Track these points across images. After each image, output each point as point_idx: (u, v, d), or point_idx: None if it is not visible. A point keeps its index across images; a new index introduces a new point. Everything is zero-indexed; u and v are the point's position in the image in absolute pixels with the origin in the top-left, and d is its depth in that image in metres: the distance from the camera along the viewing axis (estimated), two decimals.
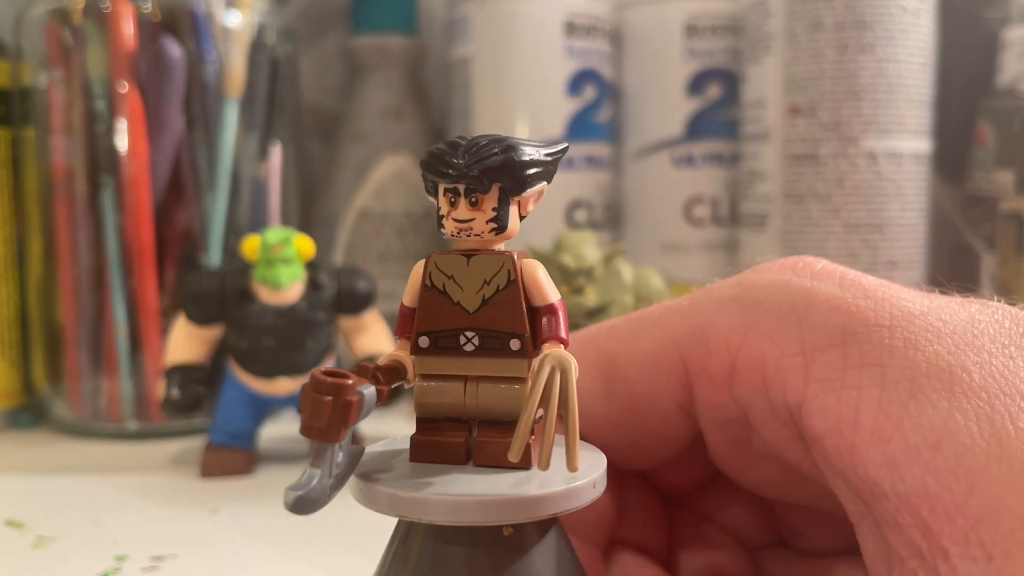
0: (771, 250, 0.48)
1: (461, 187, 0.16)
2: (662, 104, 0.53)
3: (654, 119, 0.53)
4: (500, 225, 0.16)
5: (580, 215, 0.51)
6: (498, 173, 0.16)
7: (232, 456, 0.37)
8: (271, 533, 0.30)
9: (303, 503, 0.14)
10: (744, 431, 0.19)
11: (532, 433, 0.15)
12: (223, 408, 0.37)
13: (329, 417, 0.14)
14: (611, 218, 0.54)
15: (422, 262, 0.17)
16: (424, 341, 0.16)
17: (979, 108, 0.49)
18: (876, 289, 0.17)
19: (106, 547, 0.29)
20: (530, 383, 0.15)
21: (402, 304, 0.17)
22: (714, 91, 0.52)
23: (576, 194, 0.51)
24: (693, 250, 0.53)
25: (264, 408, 0.38)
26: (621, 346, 0.20)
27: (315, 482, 0.14)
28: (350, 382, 0.14)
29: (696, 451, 0.21)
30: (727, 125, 0.52)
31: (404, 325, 0.17)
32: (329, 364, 0.38)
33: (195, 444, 0.41)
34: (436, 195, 0.16)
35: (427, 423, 0.17)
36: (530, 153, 0.16)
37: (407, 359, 0.16)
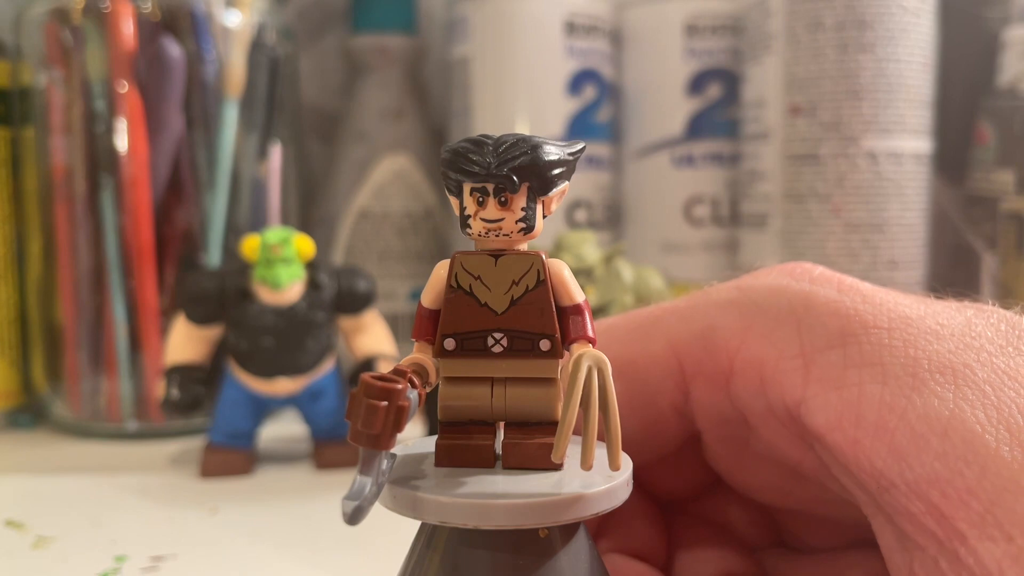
0: (771, 250, 0.47)
1: (490, 186, 0.15)
2: (662, 104, 0.53)
3: (654, 119, 0.53)
4: (528, 225, 0.16)
5: (580, 215, 0.51)
6: (527, 172, 0.15)
7: (232, 456, 0.37)
8: (271, 533, 0.30)
9: (361, 513, 0.14)
10: (741, 432, 0.19)
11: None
12: (223, 408, 0.37)
13: (383, 423, 0.14)
14: (611, 218, 0.54)
15: (445, 262, 0.16)
16: (450, 343, 0.16)
17: (979, 108, 0.49)
18: (873, 294, 0.17)
19: (106, 547, 0.29)
20: (567, 383, 0.15)
21: (420, 305, 0.16)
22: (714, 91, 0.52)
23: (576, 194, 0.51)
24: (693, 250, 0.53)
25: (264, 408, 0.38)
26: (618, 346, 0.20)
27: (367, 490, 0.14)
28: (400, 387, 0.14)
29: (695, 457, 0.21)
30: (727, 125, 0.52)
31: (423, 327, 0.16)
32: (329, 364, 0.38)
33: (195, 444, 0.41)
34: (459, 194, 0.16)
35: (452, 426, 0.16)
36: (555, 152, 0.16)
37: (428, 361, 0.16)
